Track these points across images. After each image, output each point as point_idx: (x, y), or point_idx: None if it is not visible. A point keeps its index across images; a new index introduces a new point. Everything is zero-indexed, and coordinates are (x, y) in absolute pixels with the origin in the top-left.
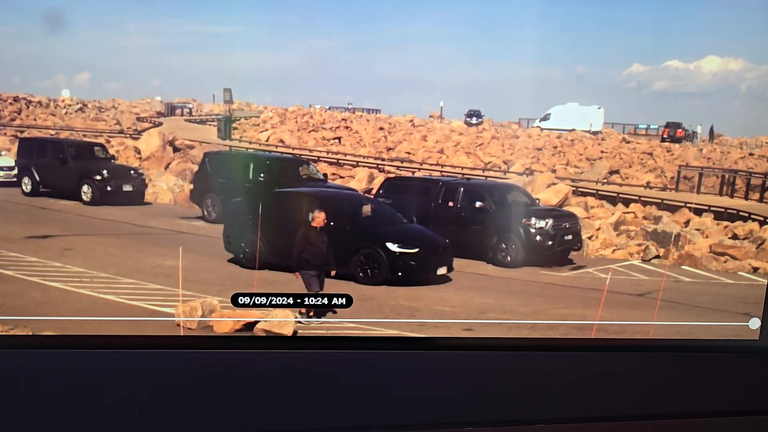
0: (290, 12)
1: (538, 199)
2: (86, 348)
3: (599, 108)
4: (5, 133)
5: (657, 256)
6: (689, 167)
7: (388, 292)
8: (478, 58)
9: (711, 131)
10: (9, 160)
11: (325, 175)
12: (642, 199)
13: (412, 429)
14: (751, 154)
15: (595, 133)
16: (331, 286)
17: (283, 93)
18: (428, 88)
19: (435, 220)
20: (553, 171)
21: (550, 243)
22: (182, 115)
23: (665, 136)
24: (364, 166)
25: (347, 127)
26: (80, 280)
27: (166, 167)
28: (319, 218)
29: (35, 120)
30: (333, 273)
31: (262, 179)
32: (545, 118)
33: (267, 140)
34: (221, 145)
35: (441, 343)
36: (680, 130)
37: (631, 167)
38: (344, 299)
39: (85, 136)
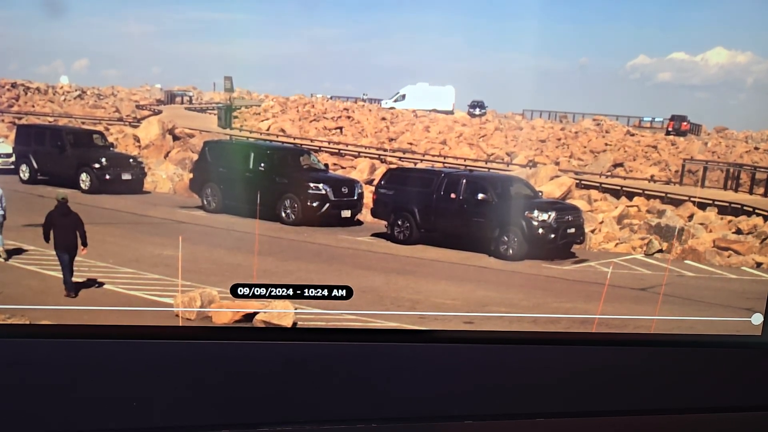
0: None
1: (541, 192)
2: (84, 338)
3: (450, 87)
4: (2, 120)
5: (660, 251)
6: (694, 161)
7: (389, 284)
8: (482, 49)
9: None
10: (7, 147)
11: (326, 165)
12: (646, 192)
13: (411, 421)
14: (756, 148)
15: (448, 112)
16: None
17: (285, 82)
18: (432, 78)
19: (437, 212)
20: (557, 163)
21: (553, 236)
22: (182, 103)
23: (670, 129)
24: (365, 157)
25: (349, 117)
26: (78, 269)
27: (166, 156)
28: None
29: (33, 107)
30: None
31: (262, 169)
32: (399, 99)
33: (268, 129)
34: (221, 134)
35: (441, 336)
36: (685, 123)
37: (635, 160)
38: (344, 291)
39: (83, 123)
